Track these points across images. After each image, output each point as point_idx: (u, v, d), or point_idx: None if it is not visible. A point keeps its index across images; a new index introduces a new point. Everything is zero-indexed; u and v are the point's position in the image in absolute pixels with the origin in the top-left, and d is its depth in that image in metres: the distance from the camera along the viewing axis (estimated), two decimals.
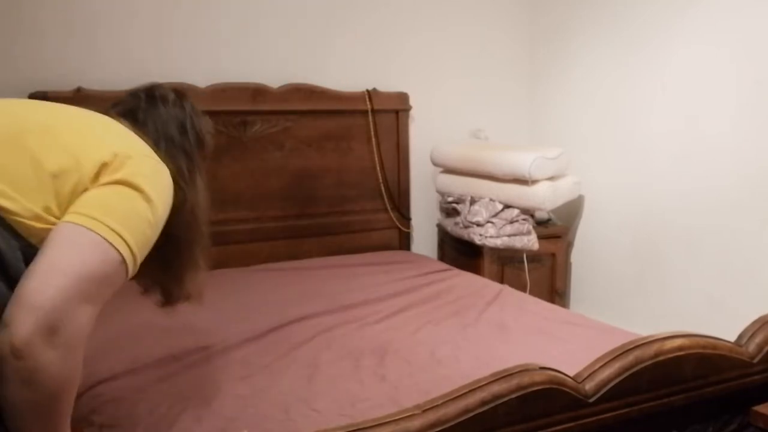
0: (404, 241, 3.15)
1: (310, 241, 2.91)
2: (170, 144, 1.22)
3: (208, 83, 2.68)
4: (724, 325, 1.49)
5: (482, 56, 3.32)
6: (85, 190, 0.94)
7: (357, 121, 2.97)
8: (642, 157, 2.74)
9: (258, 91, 2.75)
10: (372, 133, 2.99)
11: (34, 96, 2.33)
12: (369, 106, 2.96)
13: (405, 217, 3.13)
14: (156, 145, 1.15)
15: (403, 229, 3.12)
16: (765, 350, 1.25)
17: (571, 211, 3.12)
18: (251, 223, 2.80)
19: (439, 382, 1.50)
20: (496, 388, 1.02)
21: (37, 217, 0.90)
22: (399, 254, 3.00)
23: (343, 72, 2.99)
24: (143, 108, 1.22)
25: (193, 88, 2.60)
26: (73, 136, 0.99)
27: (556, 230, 2.97)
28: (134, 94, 1.27)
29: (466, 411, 0.99)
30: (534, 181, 2.68)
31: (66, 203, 0.92)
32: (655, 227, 2.70)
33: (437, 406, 0.99)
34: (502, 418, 1.01)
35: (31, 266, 0.86)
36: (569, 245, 3.10)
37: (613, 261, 2.93)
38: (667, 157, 2.62)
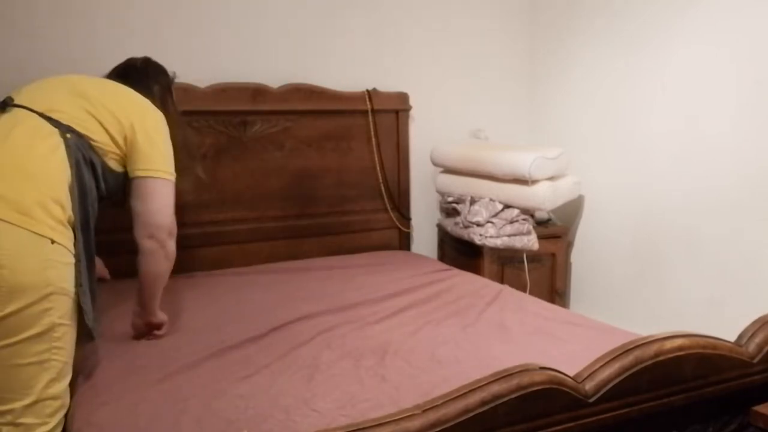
0: (404, 241, 3.15)
1: (310, 241, 2.91)
2: (168, 94, 1.95)
3: (208, 83, 2.68)
4: (724, 325, 1.49)
5: (482, 56, 3.32)
6: (131, 130, 1.67)
7: (357, 121, 2.97)
8: (642, 157, 2.74)
9: (258, 91, 2.75)
10: (372, 133, 2.99)
11: None
12: (369, 106, 2.96)
13: (405, 217, 3.13)
14: (160, 98, 1.87)
15: (403, 229, 3.12)
16: (765, 350, 1.25)
17: (571, 211, 3.12)
18: (251, 223, 2.80)
19: (439, 382, 1.50)
20: (496, 388, 1.02)
21: (108, 146, 1.64)
22: (399, 254, 3.00)
23: (343, 72, 2.99)
24: (145, 76, 1.91)
25: (193, 88, 2.61)
26: (117, 100, 1.69)
27: (556, 230, 2.97)
28: (128, 68, 1.93)
29: (466, 411, 0.99)
30: (534, 181, 2.68)
31: (120, 136, 1.66)
32: (655, 227, 2.70)
33: (437, 406, 0.99)
34: (502, 418, 1.02)
35: (143, 204, 1.70)
36: (569, 245, 3.10)
37: (613, 261, 2.93)
38: (667, 157, 2.62)
